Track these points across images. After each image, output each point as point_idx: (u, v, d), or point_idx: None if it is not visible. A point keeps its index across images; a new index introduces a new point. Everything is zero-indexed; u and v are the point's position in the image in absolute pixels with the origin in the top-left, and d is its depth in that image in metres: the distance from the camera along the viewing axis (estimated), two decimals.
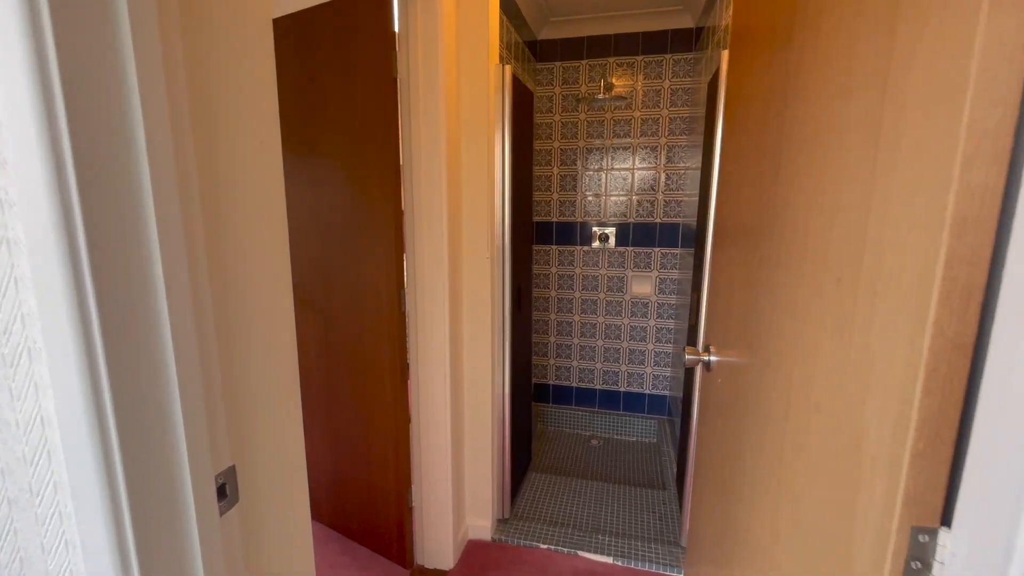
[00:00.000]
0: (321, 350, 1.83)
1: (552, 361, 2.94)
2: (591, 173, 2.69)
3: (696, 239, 1.90)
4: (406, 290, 1.60)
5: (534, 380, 2.97)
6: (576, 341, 2.88)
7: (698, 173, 1.97)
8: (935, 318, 0.36)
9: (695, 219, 2.11)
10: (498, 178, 1.69)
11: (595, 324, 2.83)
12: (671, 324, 2.70)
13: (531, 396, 2.56)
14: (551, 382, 2.96)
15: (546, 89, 2.68)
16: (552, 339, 2.91)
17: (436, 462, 1.72)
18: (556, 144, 2.71)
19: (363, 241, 1.61)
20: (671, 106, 2.53)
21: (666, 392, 2.79)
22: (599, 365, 2.87)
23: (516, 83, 1.79)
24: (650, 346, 2.76)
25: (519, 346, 2.05)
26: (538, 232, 2.82)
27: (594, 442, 2.79)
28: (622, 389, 2.86)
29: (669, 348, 2.73)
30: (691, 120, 2.39)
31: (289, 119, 1.33)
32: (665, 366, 2.76)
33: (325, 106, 1.63)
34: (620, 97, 2.49)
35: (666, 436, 2.65)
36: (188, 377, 0.50)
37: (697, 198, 2.06)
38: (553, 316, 2.88)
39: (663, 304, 2.70)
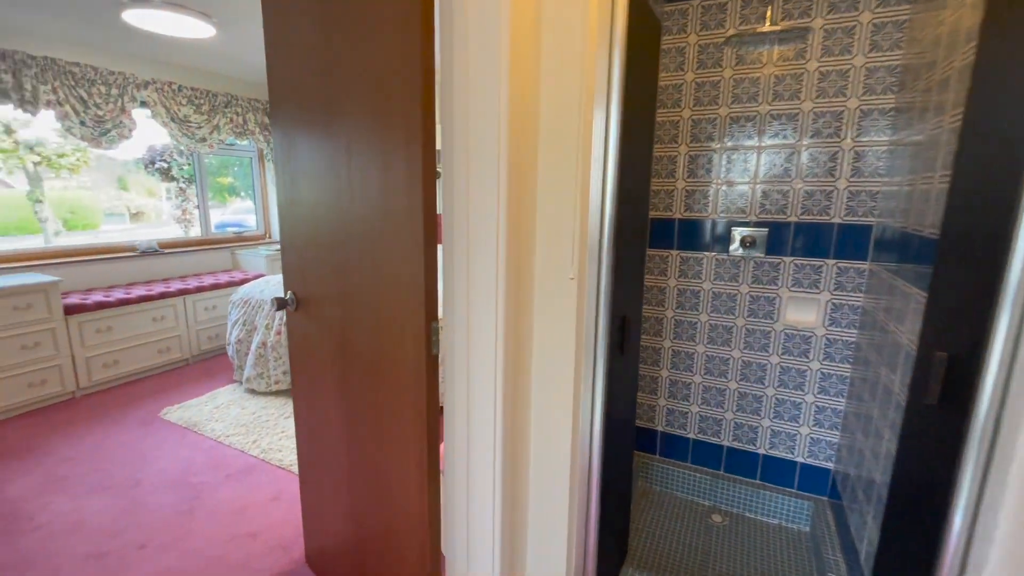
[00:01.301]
0: (338, 386, 1.37)
1: (662, 402, 2.25)
2: (734, 153, 1.94)
3: (939, 252, 1.11)
4: (440, 324, 1.06)
5: (637, 423, 2.30)
6: (698, 379, 2.16)
7: (910, 151, 1.17)
8: None
9: (908, 219, 1.31)
10: (597, 158, 1.07)
11: (727, 359, 2.09)
12: (846, 370, 1.87)
13: (632, 443, 1.91)
14: (659, 428, 2.27)
15: (675, 39, 1.97)
16: (664, 373, 2.22)
17: (478, 538, 1.17)
18: (685, 113, 2.00)
19: (384, 248, 1.10)
20: (872, 51, 1.69)
21: (829, 464, 1.97)
22: (729, 415, 2.12)
23: (636, 6, 1.14)
24: (809, 397, 1.96)
25: (618, 390, 1.43)
26: (653, 232, 2.14)
27: (716, 518, 2.07)
28: (761, 451, 2.08)
29: (840, 404, 1.91)
30: (907, 71, 1.55)
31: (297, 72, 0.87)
32: (831, 428, 1.94)
33: (340, 46, 1.13)
34: (796, 31, 1.72)
35: (827, 527, 1.84)
36: None
37: (913, 187, 1.26)
38: (667, 343, 2.19)
39: (835, 340, 1.88)
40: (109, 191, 5.80)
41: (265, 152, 4.56)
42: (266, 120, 4.48)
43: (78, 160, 4.96)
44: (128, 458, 2.49)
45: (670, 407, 2.24)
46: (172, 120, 3.79)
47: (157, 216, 5.82)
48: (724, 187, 1.98)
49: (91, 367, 3.20)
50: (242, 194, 5.21)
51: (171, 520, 2.03)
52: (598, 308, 1.12)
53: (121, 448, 2.58)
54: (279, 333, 3.10)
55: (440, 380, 1.14)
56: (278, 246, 4.71)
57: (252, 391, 3.22)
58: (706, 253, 2.06)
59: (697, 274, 2.09)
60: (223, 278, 4.04)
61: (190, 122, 3.90)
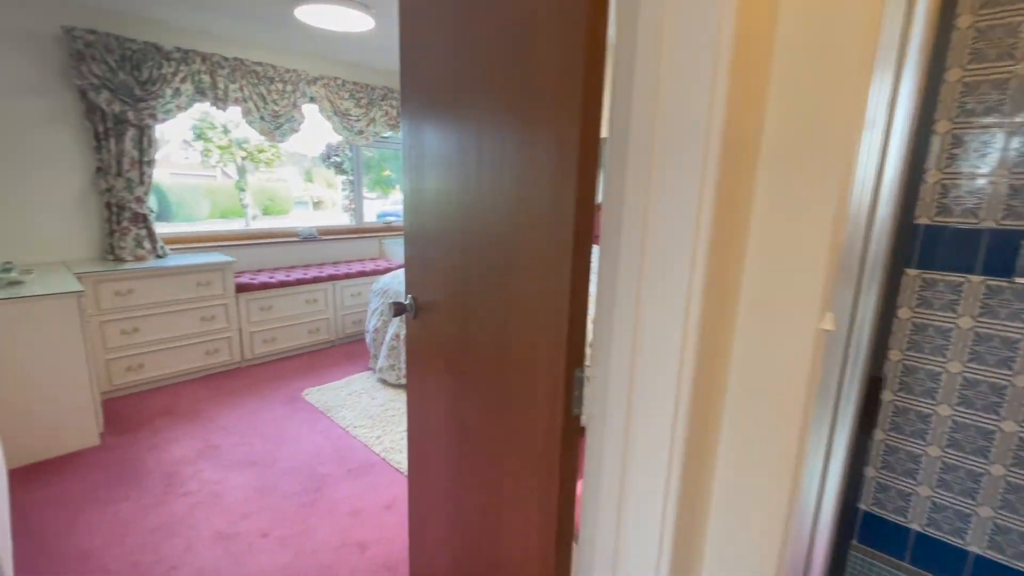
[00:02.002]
0: (451, 421, 1.12)
1: (871, 471, 1.64)
2: None
3: None
4: (587, 375, 0.72)
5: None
6: (934, 451, 1.52)
7: None
8: None
9: None
10: (871, 140, 0.63)
11: (990, 431, 1.43)
12: None
13: (849, 532, 1.39)
14: (862, 504, 1.67)
15: None
16: (878, 433, 1.61)
17: None
18: (953, 74, 1.38)
19: (515, 257, 0.80)
20: None
21: None
22: (986, 511, 1.46)
23: None
24: None
25: (855, 470, 0.96)
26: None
27: None
28: None
29: None
30: None
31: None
32: None
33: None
34: None
35: None
36: None
37: None
38: (887, 393, 1.58)
39: None
40: (297, 183, 6.64)
41: None
42: None
43: (272, 155, 5.70)
44: (270, 434, 2.61)
45: (882, 480, 1.63)
46: (335, 114, 4.01)
47: (333, 205, 6.46)
48: (1011, 179, 1.33)
49: (254, 341, 3.51)
50: (398, 186, 5.48)
51: (294, 510, 2.02)
52: (845, 363, 0.69)
53: (266, 424, 2.72)
54: None
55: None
56: None
57: (383, 381, 3.23)
58: (967, 276, 1.42)
59: (951, 305, 1.45)
60: (369, 266, 4.20)
61: (350, 115, 4.10)
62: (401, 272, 3.48)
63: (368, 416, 2.78)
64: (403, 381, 3.12)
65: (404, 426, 2.67)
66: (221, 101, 3.38)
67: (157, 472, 2.26)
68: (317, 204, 6.74)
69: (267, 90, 3.59)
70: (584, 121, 0.68)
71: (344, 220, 4.74)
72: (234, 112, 3.53)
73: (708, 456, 0.72)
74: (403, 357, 3.09)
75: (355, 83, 4.10)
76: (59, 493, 2.09)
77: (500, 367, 0.96)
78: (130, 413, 2.80)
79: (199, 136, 5.08)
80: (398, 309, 1.35)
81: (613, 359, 0.69)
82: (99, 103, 2.89)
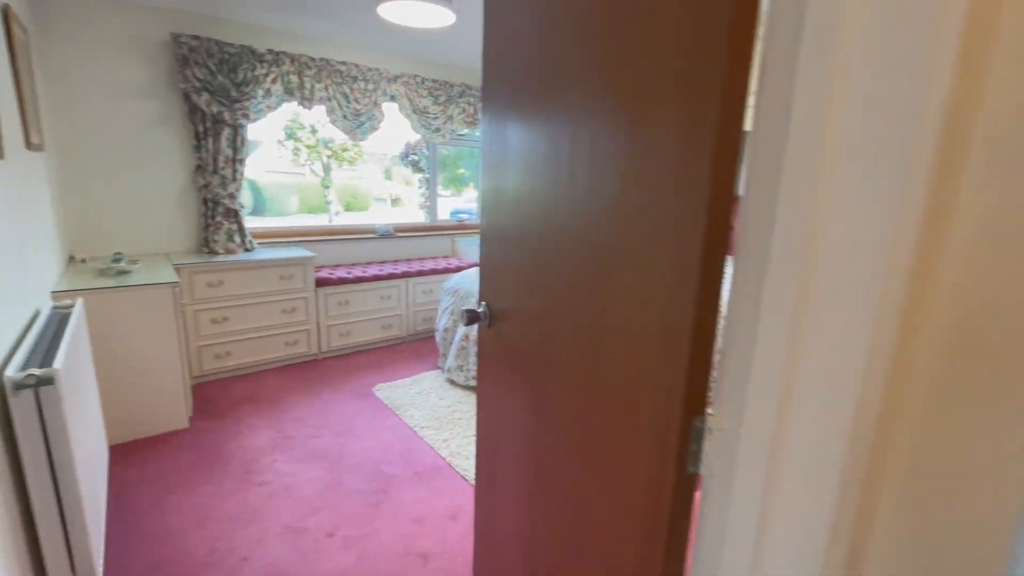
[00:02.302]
0: (526, 447, 1.00)
1: None
2: None
3: None
4: (710, 425, 0.57)
5: None
6: None
7: None
8: None
9: None
10: None
11: None
12: None
13: None
14: None
15: None
16: None
17: None
18: None
19: (617, 274, 0.65)
20: None
21: None
22: None
23: None
24: None
25: None
26: None
27: None
28: None
29: None
30: None
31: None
32: None
33: None
34: None
35: None
36: None
37: None
38: None
39: None
40: (377, 180, 6.90)
41: None
42: None
43: (355, 154, 5.93)
44: (341, 428, 2.63)
45: None
46: (414, 112, 4.03)
47: (409, 202, 6.64)
48: None
49: (330, 334, 3.60)
50: (472, 184, 5.49)
51: (359, 511, 2.00)
52: None
53: (337, 417, 2.75)
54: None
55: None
56: None
57: (452, 381, 3.19)
58: None
59: None
60: (441, 264, 4.19)
61: (428, 113, 4.10)
62: (472, 271, 3.42)
63: (435, 417, 2.74)
64: (471, 383, 3.06)
65: (471, 430, 2.60)
66: (307, 100, 3.49)
67: (237, 459, 2.34)
68: (395, 201, 6.97)
69: (350, 89, 3.66)
70: (724, 102, 0.52)
71: (419, 217, 4.79)
72: (319, 112, 3.63)
73: (876, 553, 0.54)
74: (472, 359, 3.03)
75: (434, 80, 4.10)
76: (151, 472, 2.22)
77: (590, 399, 0.83)
78: (216, 398, 2.95)
79: (290, 136, 5.38)
80: (471, 317, 1.25)
81: (749, 409, 0.53)
82: (200, 104, 3.07)
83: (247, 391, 3.06)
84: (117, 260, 2.64)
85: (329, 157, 5.84)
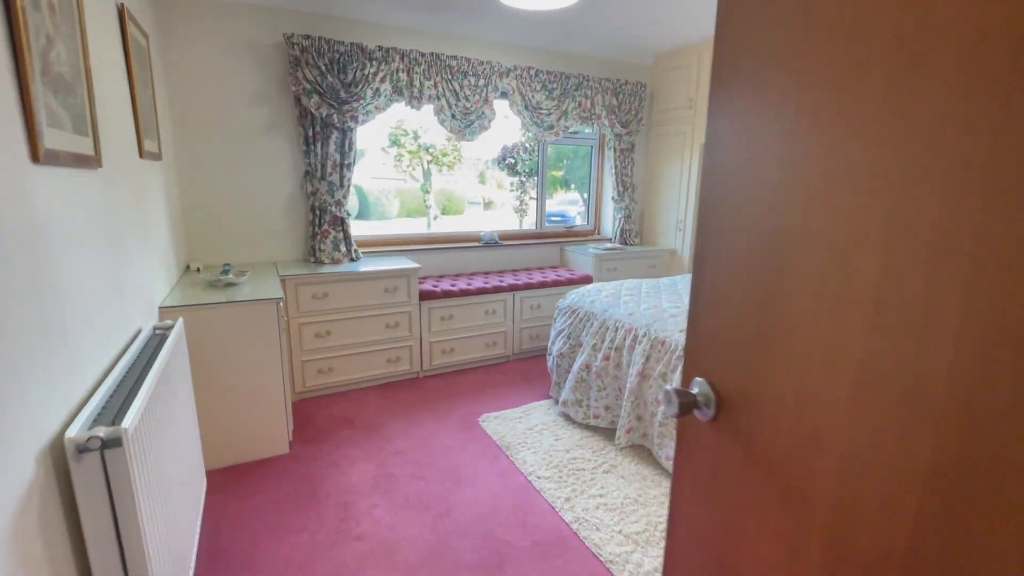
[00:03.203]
0: None
1: None
2: None
3: None
4: None
5: None
6: None
7: None
8: None
9: None
10: None
11: None
12: None
13: None
14: None
15: None
16: None
17: None
18: None
19: None
20: None
21: None
22: None
23: None
24: None
25: None
26: None
27: None
28: None
29: None
30: None
31: None
32: None
33: None
34: None
35: None
36: None
37: None
38: None
39: None
40: (471, 184, 6.75)
41: (608, 138, 4.11)
42: (615, 102, 4.00)
43: (454, 159, 5.78)
44: (446, 467, 2.30)
45: None
46: (526, 108, 3.65)
47: (501, 205, 6.38)
48: None
49: (432, 351, 3.33)
50: (572, 186, 5.04)
51: None
52: None
53: (442, 453, 2.43)
54: (607, 358, 2.50)
55: None
56: (608, 244, 4.25)
57: (567, 417, 2.75)
58: None
59: None
60: (550, 276, 3.77)
61: (541, 109, 3.71)
62: (593, 288, 2.95)
63: (552, 464, 2.30)
64: (592, 421, 2.59)
65: (597, 487, 2.13)
66: (416, 99, 3.24)
67: (334, 500, 2.08)
68: (488, 205, 6.76)
69: (460, 85, 3.36)
70: None
71: (513, 222, 4.45)
72: (425, 116, 3.38)
73: None
74: (594, 393, 2.56)
75: (548, 72, 3.69)
76: (248, 508, 2.02)
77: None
78: (317, 418, 2.77)
79: (394, 142, 5.32)
80: (685, 404, 0.78)
81: None
82: (309, 107, 2.92)
83: (348, 412, 2.85)
84: (226, 272, 2.53)
85: (430, 162, 5.72)
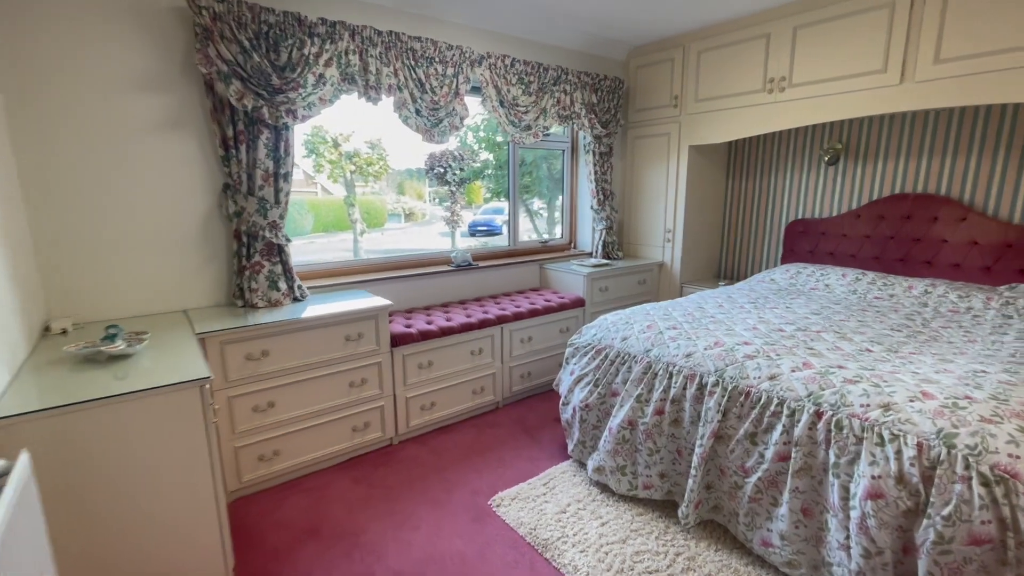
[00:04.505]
0: None
1: None
2: None
3: None
4: None
5: None
6: None
7: None
8: None
9: None
10: None
11: None
12: None
13: None
14: None
15: None
16: None
17: None
18: None
19: None
20: None
21: None
22: None
23: None
24: None
25: None
26: None
27: None
28: None
29: None
30: None
31: None
32: None
33: None
34: None
35: None
36: None
37: None
38: None
39: None
40: (391, 195, 6.11)
41: (587, 141, 3.63)
42: (594, 99, 3.52)
43: (381, 168, 5.07)
44: None
45: None
46: (501, 104, 3.06)
47: (422, 215, 5.77)
48: None
49: (410, 409, 2.61)
50: (501, 197, 4.56)
51: None
52: None
53: (456, 565, 1.75)
54: (660, 412, 1.96)
55: None
56: (593, 260, 3.75)
57: (603, 487, 2.17)
58: None
59: None
60: (539, 301, 3.20)
61: (518, 105, 3.14)
62: (616, 319, 2.41)
63: (615, 569, 1.71)
64: (641, 493, 2.03)
65: None
66: (373, 90, 2.53)
67: None
68: (408, 216, 6.17)
69: (425, 74, 2.70)
70: None
71: (440, 240, 3.90)
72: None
73: None
74: (643, 457, 2.01)
75: (525, 62, 3.13)
76: None
77: None
78: (264, 527, 1.96)
79: (311, 150, 4.52)
80: None
81: None
82: (228, 97, 2.12)
83: (307, 512, 2.06)
84: (111, 337, 1.67)
85: (353, 173, 5.00)
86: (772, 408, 1.66)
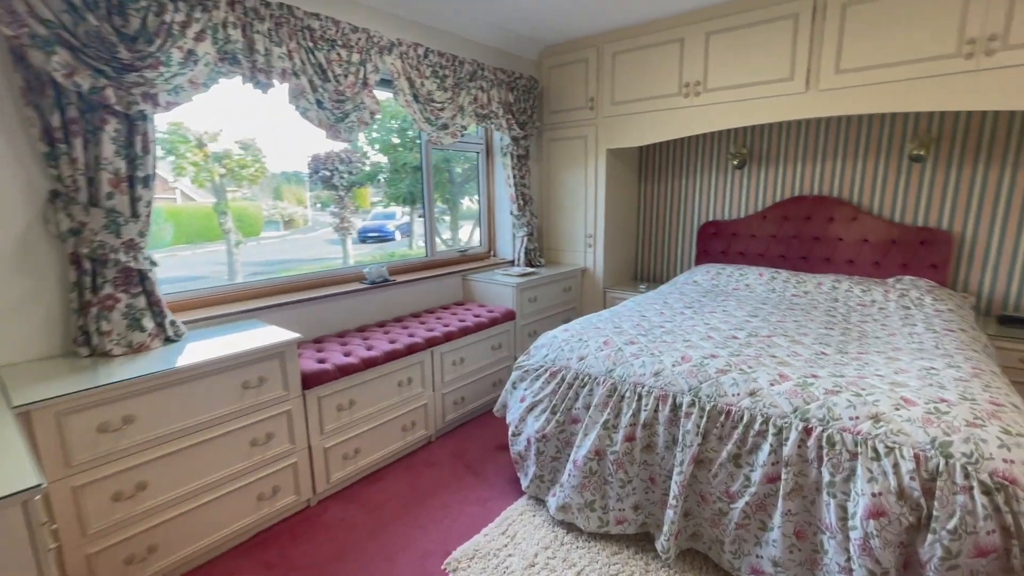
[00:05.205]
0: None
1: None
2: None
3: None
4: None
5: None
6: None
7: None
8: None
9: None
10: None
11: None
12: None
13: None
14: None
15: None
16: None
17: None
18: None
19: None
20: None
21: None
22: None
23: None
24: None
25: None
26: None
27: None
28: None
29: None
30: None
31: None
32: None
33: None
34: None
35: None
36: None
37: None
38: None
39: None
40: (267, 200, 5.41)
41: (505, 143, 3.40)
42: (511, 98, 3.31)
43: (257, 171, 4.42)
44: None
45: None
46: (416, 99, 2.72)
47: (305, 222, 5.23)
48: None
49: (330, 462, 2.17)
50: (390, 204, 4.23)
51: None
52: None
53: None
54: (631, 439, 1.78)
55: None
56: (517, 268, 3.52)
57: (569, 526, 1.95)
58: None
59: None
60: (468, 317, 2.90)
61: (434, 101, 2.81)
62: (566, 334, 2.20)
63: None
64: (614, 529, 1.83)
65: None
66: (262, 73, 2.06)
67: None
68: (288, 223, 5.61)
69: (327, 59, 2.28)
70: None
71: (328, 248, 3.54)
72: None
73: None
74: (614, 490, 1.82)
75: (439, 53, 2.82)
76: None
77: None
78: None
79: (169, 151, 3.77)
80: None
81: None
82: (50, 71, 1.54)
83: None
84: None
85: (223, 176, 4.31)
86: (756, 427, 1.55)
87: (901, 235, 2.95)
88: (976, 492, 1.23)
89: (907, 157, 2.91)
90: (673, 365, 1.82)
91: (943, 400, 1.44)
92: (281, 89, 2.18)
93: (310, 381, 2.04)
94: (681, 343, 2.02)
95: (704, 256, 3.67)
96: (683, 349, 1.95)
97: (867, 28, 2.47)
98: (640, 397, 1.79)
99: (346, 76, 2.36)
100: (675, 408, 1.72)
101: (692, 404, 1.68)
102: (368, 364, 2.24)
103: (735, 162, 3.43)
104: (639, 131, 3.31)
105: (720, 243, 3.58)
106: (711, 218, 3.70)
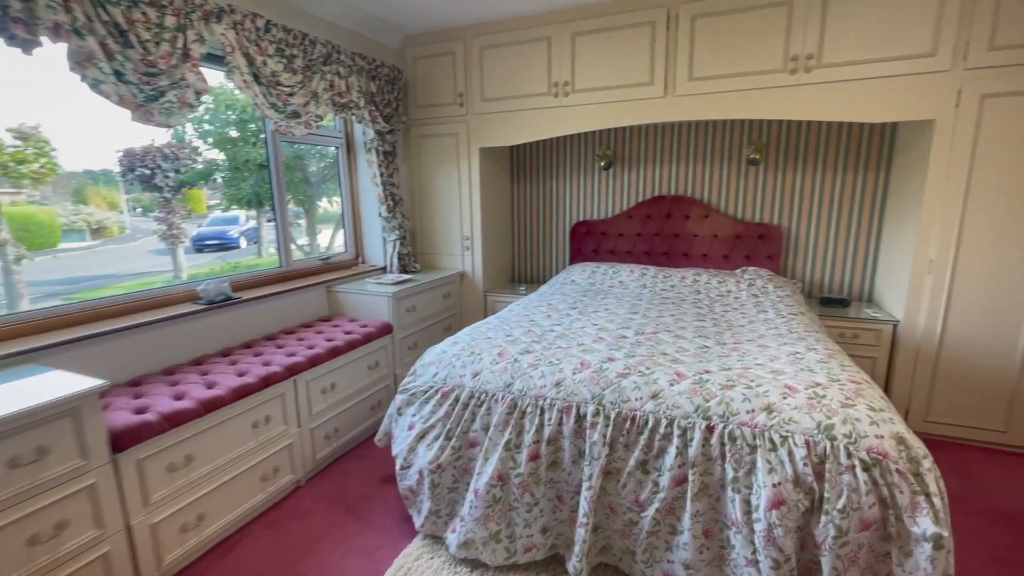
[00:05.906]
0: None
1: None
2: None
3: None
4: None
5: None
6: None
7: None
8: None
9: None
10: None
11: None
12: None
13: None
14: None
15: None
16: None
17: None
18: None
19: None
20: None
21: None
22: None
23: None
24: None
25: None
26: None
27: None
28: None
29: None
30: None
31: None
32: None
33: None
34: None
35: None
36: None
37: None
38: None
39: None
40: (66, 204, 4.35)
41: (370, 138, 3.05)
42: (373, 88, 2.98)
43: (44, 167, 3.49)
44: None
45: None
46: (257, 80, 2.27)
47: (120, 229, 4.34)
48: None
49: (161, 541, 1.67)
50: (231, 207, 3.72)
51: None
52: None
53: None
54: (535, 458, 1.64)
55: None
56: (391, 275, 3.20)
57: (473, 563, 1.74)
58: None
59: None
60: (337, 334, 2.52)
61: (281, 84, 2.39)
62: (456, 347, 1.99)
63: None
64: (522, 558, 1.68)
65: None
66: (24, 27, 1.49)
67: None
68: (98, 231, 4.64)
69: (127, 18, 1.76)
70: None
71: (162, 256, 3.02)
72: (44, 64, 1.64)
73: None
74: (520, 515, 1.66)
75: (285, 29, 2.40)
76: None
77: None
78: None
79: None
80: None
81: None
82: None
83: None
84: None
85: None
86: (662, 430, 1.52)
87: (744, 230, 3.28)
88: (858, 470, 1.31)
89: (745, 160, 3.25)
90: (573, 373, 1.72)
91: (817, 384, 1.55)
92: (60, 53, 1.62)
93: (123, 440, 1.54)
94: (576, 347, 1.95)
95: (578, 255, 3.73)
96: (580, 354, 1.87)
97: (712, 40, 2.67)
98: (543, 411, 1.66)
99: (158, 44, 1.86)
100: (579, 419, 1.62)
101: (597, 413, 1.59)
102: (209, 407, 1.78)
103: (602, 163, 3.53)
104: (511, 130, 3.22)
105: (592, 242, 3.67)
106: (582, 218, 3.78)
